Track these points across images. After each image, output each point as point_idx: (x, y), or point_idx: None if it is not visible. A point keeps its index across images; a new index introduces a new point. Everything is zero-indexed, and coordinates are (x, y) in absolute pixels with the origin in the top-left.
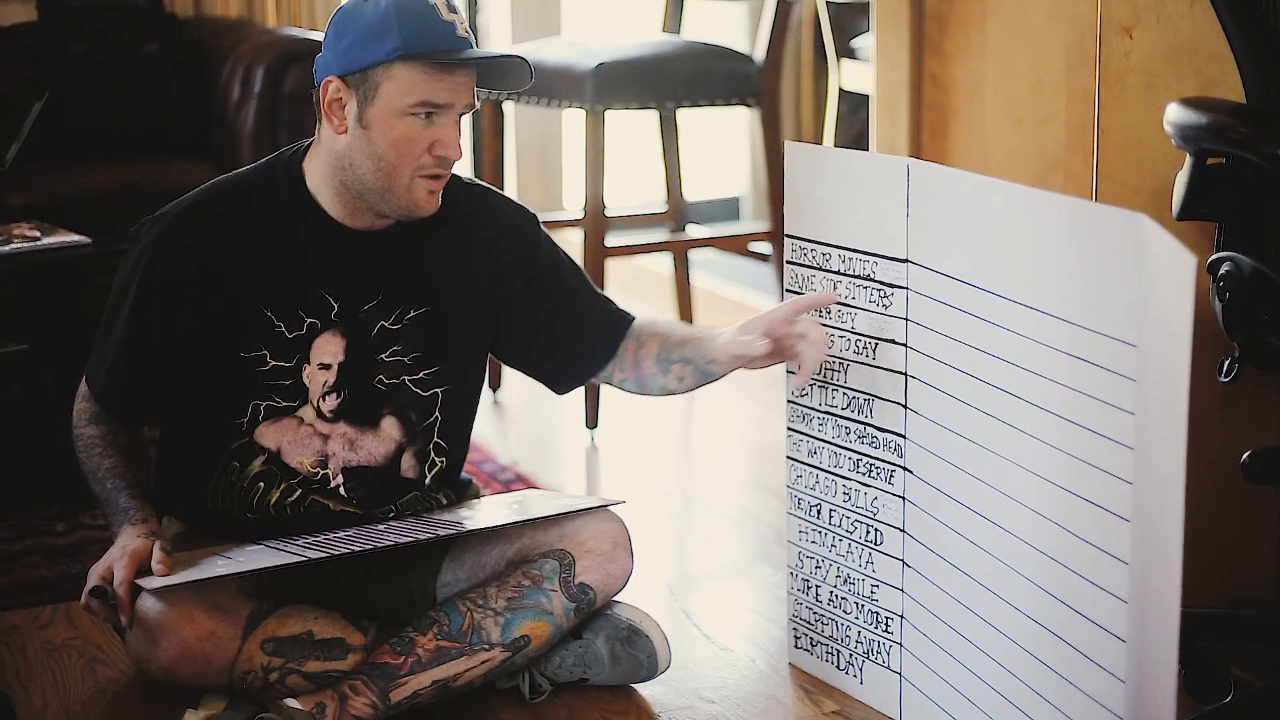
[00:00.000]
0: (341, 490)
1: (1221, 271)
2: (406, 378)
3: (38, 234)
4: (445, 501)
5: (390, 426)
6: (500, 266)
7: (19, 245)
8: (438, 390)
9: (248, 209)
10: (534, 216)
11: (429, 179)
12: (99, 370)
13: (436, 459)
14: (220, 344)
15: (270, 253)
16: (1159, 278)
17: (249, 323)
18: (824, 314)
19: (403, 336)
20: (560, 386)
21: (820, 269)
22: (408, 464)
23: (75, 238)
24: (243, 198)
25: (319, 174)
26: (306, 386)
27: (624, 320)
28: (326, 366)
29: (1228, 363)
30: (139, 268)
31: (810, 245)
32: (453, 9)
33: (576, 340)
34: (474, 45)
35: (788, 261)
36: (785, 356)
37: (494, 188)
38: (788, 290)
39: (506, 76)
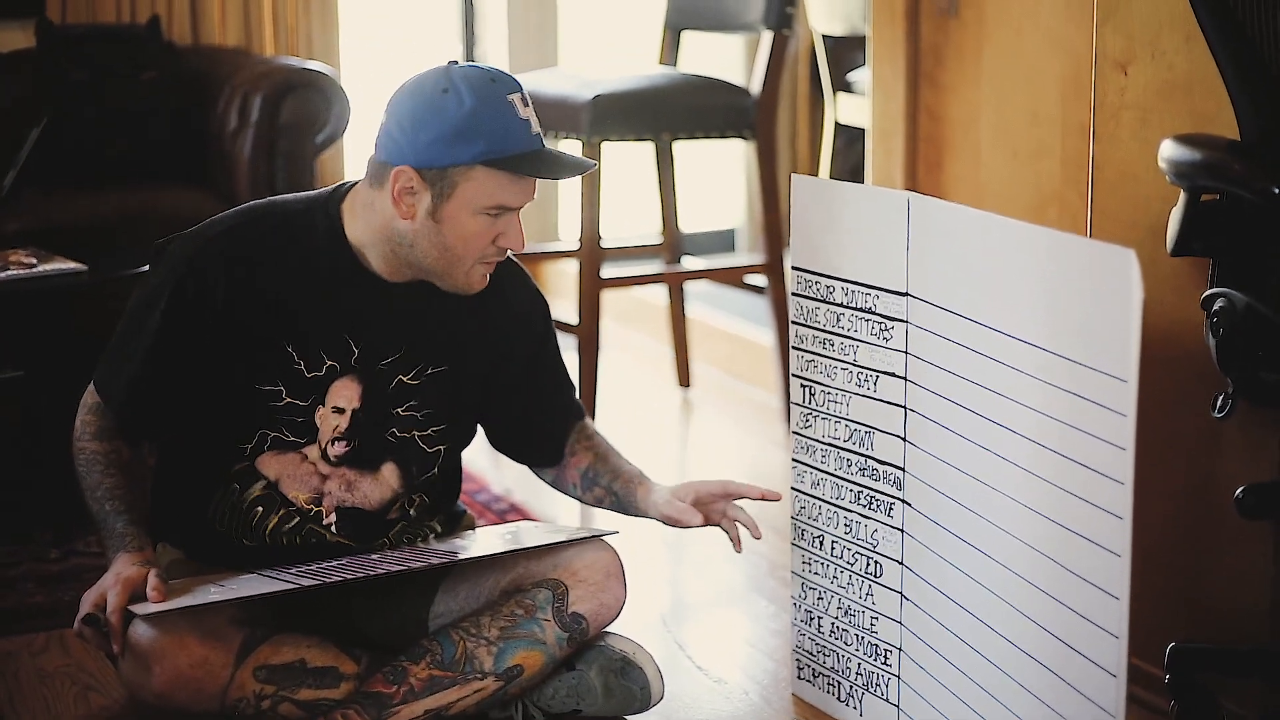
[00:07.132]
0: (333, 528)
1: (1215, 307)
2: (416, 433)
3: (34, 260)
4: (438, 529)
5: (390, 473)
6: (510, 342)
7: (15, 272)
8: (440, 448)
9: (284, 241)
10: (545, 301)
11: (486, 265)
12: (116, 381)
13: (419, 499)
14: (238, 373)
15: (301, 289)
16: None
17: (270, 356)
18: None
19: (419, 393)
20: (529, 460)
21: (824, 301)
22: (394, 506)
23: (71, 264)
24: (279, 230)
25: (365, 232)
26: (317, 427)
27: (576, 416)
28: (340, 411)
29: (1221, 398)
30: (170, 283)
31: (815, 277)
32: (526, 102)
33: (544, 427)
34: (543, 142)
35: (793, 294)
36: (709, 524)
37: (520, 263)
38: (793, 322)
39: (566, 170)
